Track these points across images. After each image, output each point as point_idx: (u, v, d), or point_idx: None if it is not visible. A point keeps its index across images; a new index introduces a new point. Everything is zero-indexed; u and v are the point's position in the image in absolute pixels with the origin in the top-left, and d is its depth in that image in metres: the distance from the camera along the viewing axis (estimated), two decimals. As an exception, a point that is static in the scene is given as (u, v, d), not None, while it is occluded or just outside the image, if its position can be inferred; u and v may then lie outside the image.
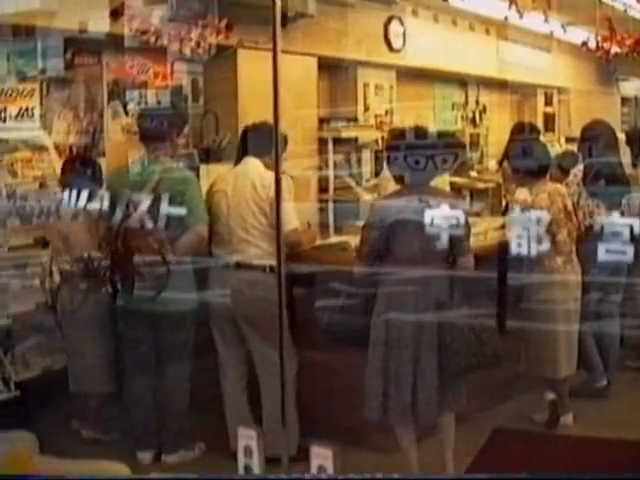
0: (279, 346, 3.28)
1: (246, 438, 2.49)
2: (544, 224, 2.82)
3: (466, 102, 12.70)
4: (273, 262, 5.37)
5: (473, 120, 12.83)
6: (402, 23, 9.73)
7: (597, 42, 11.05)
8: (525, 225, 2.77)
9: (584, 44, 11.25)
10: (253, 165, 5.54)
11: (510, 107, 13.82)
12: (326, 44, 8.65)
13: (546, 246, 2.92)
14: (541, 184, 5.93)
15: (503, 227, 6.64)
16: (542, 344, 6.00)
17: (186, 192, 5.30)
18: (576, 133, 8.32)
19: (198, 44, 6.31)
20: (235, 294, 5.43)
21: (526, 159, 5.98)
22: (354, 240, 5.81)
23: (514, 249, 2.78)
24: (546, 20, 9.88)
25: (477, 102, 12.92)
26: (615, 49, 10.89)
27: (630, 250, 2.70)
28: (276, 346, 5.38)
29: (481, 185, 11.22)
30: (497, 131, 13.31)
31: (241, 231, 5.46)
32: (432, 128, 10.99)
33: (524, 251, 2.77)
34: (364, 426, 5.42)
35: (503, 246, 6.00)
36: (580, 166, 6.71)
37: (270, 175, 5.32)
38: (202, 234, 5.38)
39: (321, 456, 2.29)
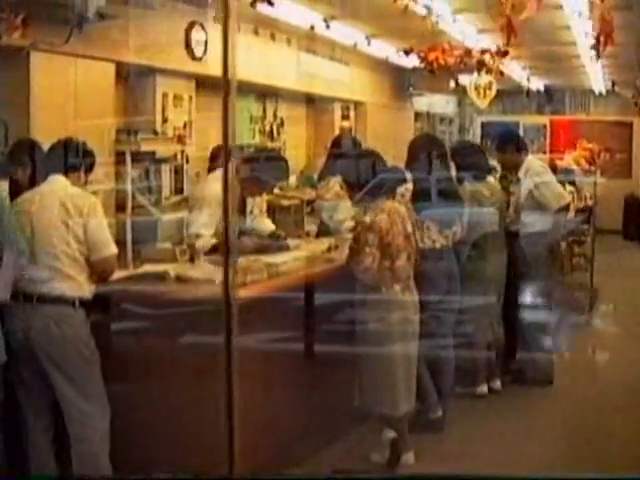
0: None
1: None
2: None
3: (264, 115, 12.21)
4: (84, 294, 4.72)
5: (271, 134, 12.35)
6: (204, 30, 9.09)
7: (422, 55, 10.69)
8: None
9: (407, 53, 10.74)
10: (61, 184, 4.92)
11: (307, 121, 13.50)
12: (124, 49, 7.93)
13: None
14: (379, 203, 5.43)
15: (329, 250, 6.15)
16: (379, 376, 5.50)
17: None
18: (373, 147, 7.83)
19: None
20: (39, 332, 4.70)
21: (365, 175, 5.47)
22: (174, 269, 5.15)
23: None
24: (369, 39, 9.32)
25: (275, 115, 12.48)
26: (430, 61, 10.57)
27: None
28: (87, 393, 4.72)
29: (285, 202, 10.73)
30: (294, 145, 12.93)
31: (48, 258, 4.75)
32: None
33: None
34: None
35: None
36: (408, 185, 6.28)
37: (82, 194, 4.90)
38: None
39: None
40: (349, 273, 5.39)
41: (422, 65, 10.82)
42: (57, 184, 4.89)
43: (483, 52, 10.39)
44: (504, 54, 9.84)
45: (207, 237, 6.02)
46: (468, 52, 10.45)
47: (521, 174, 7.45)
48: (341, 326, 5.63)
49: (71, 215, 4.74)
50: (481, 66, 10.43)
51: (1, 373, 4.57)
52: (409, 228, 5.51)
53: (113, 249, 4.84)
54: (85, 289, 4.76)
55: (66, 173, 4.90)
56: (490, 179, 7.31)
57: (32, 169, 5.19)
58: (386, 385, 5.49)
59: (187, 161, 9.43)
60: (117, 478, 3.65)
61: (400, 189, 6.36)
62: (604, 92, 18.83)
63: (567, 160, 10.00)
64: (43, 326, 4.68)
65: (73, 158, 4.89)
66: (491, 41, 11.37)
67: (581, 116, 19.84)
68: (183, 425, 4.91)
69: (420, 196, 6.16)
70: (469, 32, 10.48)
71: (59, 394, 4.77)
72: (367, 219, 5.34)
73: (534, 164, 7.60)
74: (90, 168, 5.05)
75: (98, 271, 4.78)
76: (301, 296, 5.43)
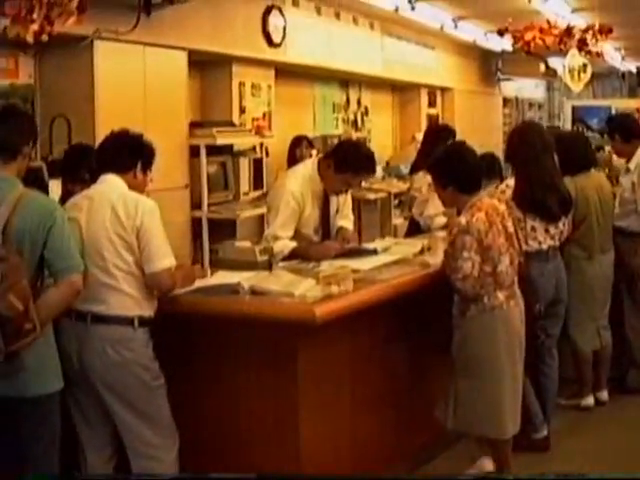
0: None
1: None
2: None
3: (347, 103, 11.63)
4: (144, 312, 4.18)
5: (355, 123, 11.77)
6: (282, 14, 8.55)
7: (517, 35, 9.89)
8: None
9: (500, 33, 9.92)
10: (113, 185, 4.28)
11: (392, 108, 12.93)
12: (197, 36, 7.44)
13: None
14: (476, 200, 4.82)
15: (422, 252, 5.55)
16: (482, 395, 4.88)
17: (52, 228, 3.83)
18: (463, 137, 7.14)
19: (42, 29, 4.95)
20: (93, 356, 4.13)
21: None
22: (248, 279, 4.56)
23: None
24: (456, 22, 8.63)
25: (359, 103, 11.88)
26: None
27: None
28: (151, 422, 4.21)
29: (371, 195, 10.14)
30: (380, 134, 12.36)
31: (100, 273, 4.13)
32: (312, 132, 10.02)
33: None
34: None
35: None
36: (510, 181, 5.66)
37: (136, 197, 4.24)
38: (77, 287, 3.89)
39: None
40: (446, 280, 4.79)
41: (517, 46, 10.00)
42: (108, 186, 4.26)
43: (585, 30, 9.49)
44: (608, 32, 9.01)
45: (285, 240, 5.47)
46: (569, 30, 9.58)
47: (632, 165, 6.75)
48: (436, 340, 5.06)
49: (122, 223, 4.12)
50: (583, 46, 9.57)
51: (58, 402, 4.00)
52: (510, 227, 4.88)
53: (166, 263, 4.17)
54: (145, 306, 4.17)
55: (120, 172, 4.28)
56: (593, 171, 6.63)
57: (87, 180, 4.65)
58: (491, 405, 4.86)
59: (267, 154, 8.92)
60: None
61: (501, 186, 5.77)
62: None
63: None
64: (98, 349, 4.11)
65: (129, 154, 4.31)
66: (583, 21, 10.65)
67: (678, 100, 18.94)
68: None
69: (523, 192, 5.53)
70: (563, 11, 9.74)
71: (119, 424, 4.22)
72: (462, 219, 4.73)
73: None
74: (148, 165, 4.45)
75: (152, 286, 4.22)
76: (392, 308, 4.85)
